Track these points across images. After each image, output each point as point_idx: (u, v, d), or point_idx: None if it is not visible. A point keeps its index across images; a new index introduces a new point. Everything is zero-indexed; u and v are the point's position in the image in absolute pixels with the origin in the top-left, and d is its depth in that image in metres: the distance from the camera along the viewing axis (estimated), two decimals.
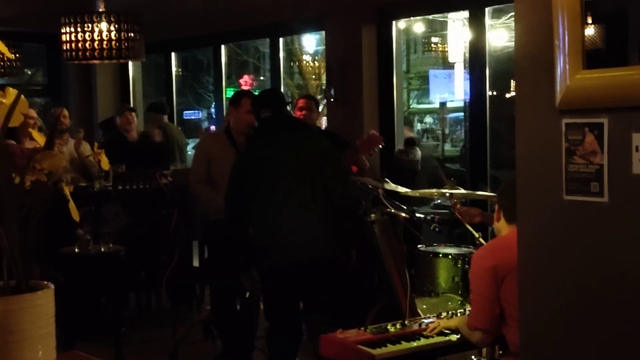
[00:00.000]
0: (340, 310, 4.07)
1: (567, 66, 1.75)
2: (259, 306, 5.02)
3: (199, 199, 4.98)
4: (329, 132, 5.69)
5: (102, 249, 5.20)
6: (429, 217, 4.08)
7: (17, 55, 8.07)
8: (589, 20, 1.91)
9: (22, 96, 1.20)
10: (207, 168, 4.84)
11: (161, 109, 7.73)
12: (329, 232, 3.98)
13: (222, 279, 4.83)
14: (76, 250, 5.16)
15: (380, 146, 5.32)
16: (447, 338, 2.96)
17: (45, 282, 1.37)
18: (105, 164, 1.47)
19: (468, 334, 2.88)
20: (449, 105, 15.03)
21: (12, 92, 1.23)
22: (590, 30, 1.90)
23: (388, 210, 3.98)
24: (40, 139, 1.31)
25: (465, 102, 10.19)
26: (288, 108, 4.55)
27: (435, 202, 5.14)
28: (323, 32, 7.21)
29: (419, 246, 4.36)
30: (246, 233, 4.13)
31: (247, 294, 4.61)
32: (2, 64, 8.03)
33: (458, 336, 2.96)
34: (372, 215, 3.87)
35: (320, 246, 3.96)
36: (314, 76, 13.60)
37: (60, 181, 1.29)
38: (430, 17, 10.51)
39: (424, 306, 3.80)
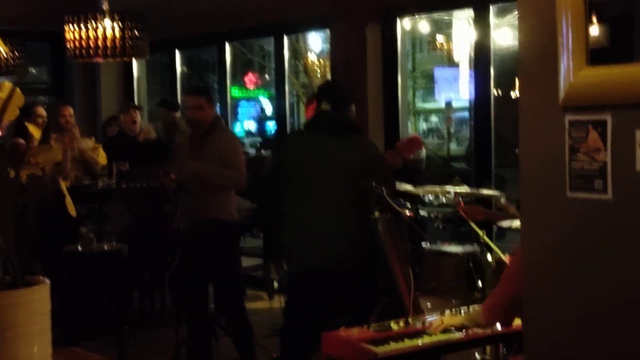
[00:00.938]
0: (359, 314, 3.94)
1: (571, 63, 1.74)
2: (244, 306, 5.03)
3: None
4: None
5: (105, 248, 5.20)
6: (433, 215, 4.06)
7: (19, 52, 8.06)
8: (594, 20, 1.89)
9: (18, 90, 1.19)
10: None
11: (172, 106, 7.62)
12: (356, 244, 3.85)
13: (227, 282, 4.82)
14: (79, 248, 5.16)
15: (421, 150, 5.27)
16: (451, 336, 2.94)
17: (41, 278, 1.36)
18: (102, 158, 1.46)
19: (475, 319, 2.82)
20: (455, 104, 15.02)
21: (7, 86, 1.22)
22: (594, 30, 1.88)
23: (392, 208, 3.96)
24: (36, 133, 1.30)
25: (470, 101, 10.17)
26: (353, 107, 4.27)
27: (440, 200, 5.12)
28: (328, 31, 7.20)
29: (423, 244, 4.35)
30: (276, 224, 4.04)
31: (275, 285, 4.56)
32: (5, 62, 8.03)
33: (462, 334, 2.94)
34: (376, 213, 3.85)
35: (342, 257, 3.84)
36: (319, 75, 13.59)
37: (58, 176, 1.28)
38: (436, 15, 10.49)
39: (428, 304, 3.79)
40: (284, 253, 4.05)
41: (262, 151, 9.22)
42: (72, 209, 1.31)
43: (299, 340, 3.98)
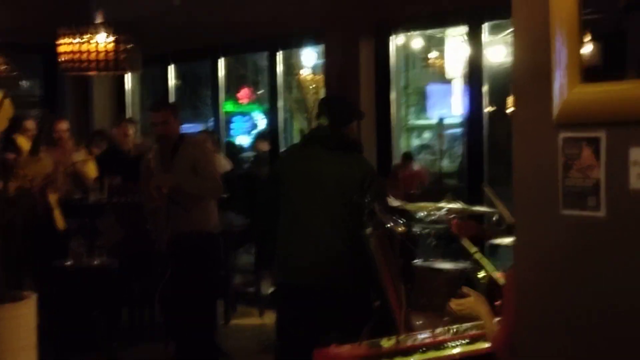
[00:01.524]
0: (351, 329, 3.91)
1: (565, 80, 1.74)
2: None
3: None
4: None
5: (96, 262, 5.16)
6: (425, 232, 4.05)
7: (11, 65, 8.02)
8: (587, 38, 1.89)
9: (7, 101, 1.18)
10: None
11: None
12: (346, 261, 3.83)
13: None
14: (69, 262, 5.12)
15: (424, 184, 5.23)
16: (441, 353, 2.92)
17: (28, 293, 1.34)
18: (92, 171, 1.44)
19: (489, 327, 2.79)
20: (447, 120, 15.04)
21: None
22: (588, 48, 1.88)
23: (384, 224, 3.94)
24: (25, 145, 1.28)
25: (463, 118, 10.19)
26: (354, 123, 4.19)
27: (432, 217, 5.11)
28: (322, 46, 7.21)
29: (415, 261, 4.33)
30: (271, 236, 4.01)
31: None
32: None
33: (458, 350, 2.93)
34: (369, 229, 3.83)
35: (334, 276, 3.81)
36: (312, 90, 13.61)
37: (46, 188, 1.26)
38: (429, 32, 10.52)
39: (420, 321, 3.77)
40: (274, 267, 4.03)
41: (261, 142, 9.14)
42: (60, 222, 1.29)
43: (291, 356, 3.95)
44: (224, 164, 7.01)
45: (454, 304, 3.10)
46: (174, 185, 4.70)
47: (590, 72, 1.77)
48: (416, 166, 5.31)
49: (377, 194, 3.82)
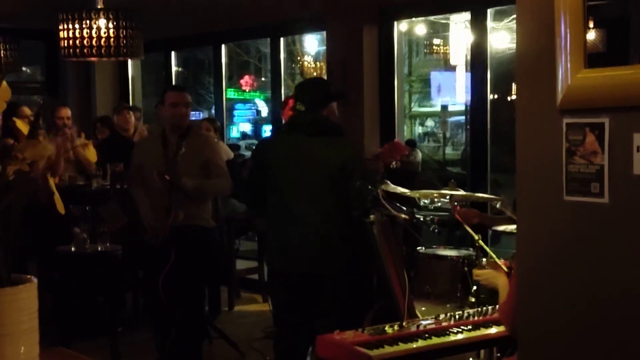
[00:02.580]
0: (346, 315, 3.95)
1: (569, 65, 1.73)
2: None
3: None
4: None
5: (99, 248, 5.17)
6: (428, 219, 4.04)
7: (12, 50, 8.02)
8: (591, 25, 1.88)
9: (5, 84, 1.17)
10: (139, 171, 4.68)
11: None
12: (336, 245, 3.85)
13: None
14: (73, 249, 5.13)
15: (405, 154, 5.23)
16: (445, 339, 2.93)
17: (29, 277, 1.34)
18: (92, 155, 1.44)
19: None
20: (451, 108, 15.02)
21: None
22: (591, 35, 1.87)
23: (387, 211, 3.94)
24: (24, 129, 1.28)
25: (466, 105, 10.18)
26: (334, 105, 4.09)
27: (436, 204, 5.11)
28: (324, 33, 7.19)
29: (418, 248, 4.33)
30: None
31: None
32: None
33: (462, 336, 2.93)
34: (372, 216, 3.83)
35: (324, 261, 3.83)
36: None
37: (46, 172, 1.26)
38: (432, 18, 10.49)
39: (423, 308, 3.77)
40: (266, 254, 4.06)
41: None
42: (60, 207, 1.28)
43: (290, 341, 3.98)
44: (227, 151, 7.00)
45: (475, 273, 3.37)
46: (190, 187, 4.53)
47: (594, 58, 1.76)
48: (395, 139, 5.32)
49: (361, 176, 3.82)
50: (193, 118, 15.05)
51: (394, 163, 5.13)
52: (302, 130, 3.90)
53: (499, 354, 3.17)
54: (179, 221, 4.55)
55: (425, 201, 4.48)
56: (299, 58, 13.68)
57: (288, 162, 3.89)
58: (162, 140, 4.67)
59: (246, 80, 15.54)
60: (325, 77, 7.49)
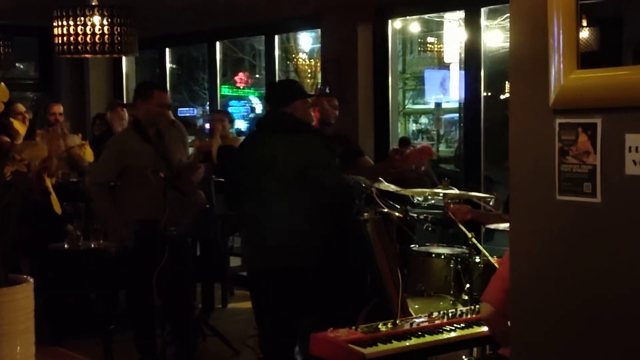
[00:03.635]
0: (330, 312, 3.97)
1: (562, 65, 1.74)
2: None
3: (93, 201, 4.76)
4: (342, 138, 5.24)
5: (93, 245, 5.16)
6: (422, 217, 4.06)
7: (7, 47, 7.99)
8: (584, 23, 1.89)
9: (2, 85, 1.17)
10: (117, 170, 4.58)
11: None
12: (311, 240, 3.86)
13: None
14: (66, 246, 5.13)
15: (432, 158, 5.26)
16: (439, 337, 2.94)
17: (25, 277, 1.34)
18: (89, 155, 1.44)
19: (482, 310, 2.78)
20: (444, 105, 15.04)
21: None
22: (584, 33, 1.88)
23: (381, 209, 3.96)
24: (21, 129, 1.28)
25: (460, 103, 10.19)
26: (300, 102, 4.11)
27: (429, 201, 5.12)
28: (319, 30, 7.19)
29: (411, 246, 4.34)
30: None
31: None
32: None
33: (454, 334, 2.95)
34: (366, 214, 3.84)
35: (299, 255, 3.85)
36: (309, 75, 13.59)
37: (43, 172, 1.26)
38: (426, 17, 10.50)
39: (416, 306, 3.79)
40: (243, 255, 4.11)
41: None
42: (57, 207, 1.29)
43: (274, 340, 4.01)
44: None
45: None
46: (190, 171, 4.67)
47: (587, 60, 1.77)
48: (423, 143, 5.35)
49: (326, 172, 3.87)
50: (187, 114, 15.10)
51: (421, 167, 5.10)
52: (274, 126, 3.97)
53: (491, 352, 3.19)
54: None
55: (419, 199, 4.49)
56: (293, 55, 13.68)
57: (261, 161, 3.94)
58: (140, 134, 4.64)
59: (240, 77, 15.52)
60: (319, 75, 7.50)
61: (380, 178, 4.32)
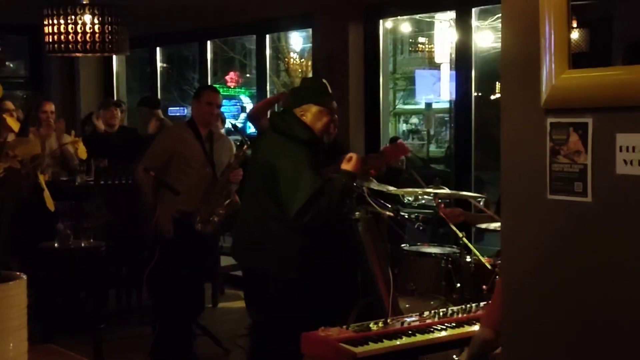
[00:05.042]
0: (317, 312, 3.88)
1: (553, 65, 1.75)
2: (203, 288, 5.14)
3: (140, 187, 4.93)
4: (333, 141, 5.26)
5: (83, 244, 5.15)
6: (413, 216, 4.07)
7: None
8: (575, 25, 1.90)
9: None
10: (166, 161, 4.78)
11: (154, 103, 7.37)
12: (261, 245, 3.83)
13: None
14: (56, 245, 5.11)
15: (407, 156, 5.33)
16: (430, 336, 2.95)
17: (18, 273, 1.34)
18: (82, 152, 1.44)
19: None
20: (435, 106, 15.08)
21: None
22: (575, 34, 1.89)
23: (372, 208, 3.96)
24: (14, 126, 1.28)
25: (450, 103, 10.21)
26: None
27: (420, 201, 5.14)
28: (310, 30, 7.19)
29: (402, 245, 4.35)
30: None
31: None
32: None
33: (445, 334, 2.95)
34: (357, 213, 3.85)
35: (248, 257, 3.95)
36: (300, 74, 13.58)
37: (36, 169, 1.26)
38: (417, 17, 10.52)
39: (407, 305, 3.80)
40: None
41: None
42: (50, 204, 1.28)
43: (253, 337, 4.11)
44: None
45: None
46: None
47: (578, 60, 1.78)
48: (399, 140, 5.41)
49: (283, 177, 3.72)
50: (177, 114, 15.06)
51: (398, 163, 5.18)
52: (270, 128, 4.00)
53: None
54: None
55: (410, 198, 4.51)
56: (284, 55, 13.68)
57: (250, 164, 4.08)
58: (194, 132, 4.87)
59: (231, 77, 15.51)
60: (309, 75, 7.50)
61: (370, 177, 4.33)
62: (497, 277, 3.29)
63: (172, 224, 4.72)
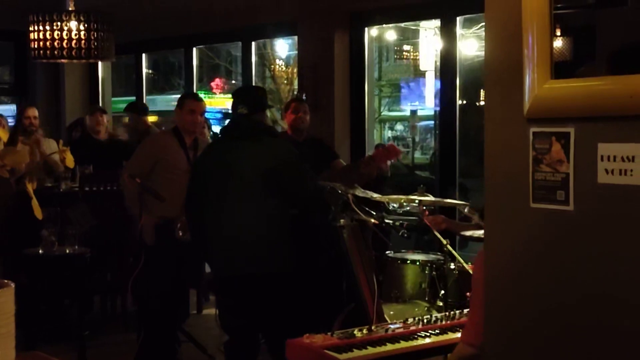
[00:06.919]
0: (298, 321, 3.94)
1: (536, 75, 1.77)
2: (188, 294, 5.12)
3: (124, 193, 4.90)
4: (317, 141, 5.41)
5: (67, 251, 5.12)
6: (397, 223, 4.08)
7: None
8: (558, 33, 1.93)
9: None
10: (150, 167, 4.77)
11: (142, 110, 7.30)
12: (273, 247, 3.87)
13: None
14: (40, 251, 5.08)
15: (397, 159, 5.33)
16: (414, 343, 2.96)
17: (5, 281, 1.34)
18: (70, 161, 1.44)
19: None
20: (420, 113, 15.13)
21: None
22: (558, 43, 1.91)
23: (357, 215, 3.97)
24: (3, 135, 1.28)
25: (435, 111, 10.26)
26: (268, 112, 4.37)
27: (405, 208, 5.16)
28: (296, 37, 7.21)
29: (387, 252, 4.37)
30: (203, 234, 4.08)
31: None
32: None
33: (429, 340, 2.96)
34: (342, 220, 3.86)
35: (261, 262, 3.87)
36: (285, 81, 13.59)
37: (24, 178, 1.26)
38: (402, 25, 10.57)
39: (391, 312, 3.81)
40: (209, 262, 4.13)
41: None
42: (38, 212, 1.29)
43: (239, 348, 4.04)
44: None
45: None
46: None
47: (560, 69, 1.80)
48: (389, 143, 5.43)
49: (291, 178, 3.90)
50: (163, 119, 14.99)
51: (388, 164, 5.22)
52: (244, 132, 3.99)
53: None
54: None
55: (394, 205, 4.53)
56: (270, 62, 13.68)
57: (222, 166, 3.96)
58: (178, 139, 4.85)
59: (217, 83, 15.49)
60: (295, 82, 7.51)
61: (355, 184, 4.35)
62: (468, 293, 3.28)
63: (155, 231, 4.70)
